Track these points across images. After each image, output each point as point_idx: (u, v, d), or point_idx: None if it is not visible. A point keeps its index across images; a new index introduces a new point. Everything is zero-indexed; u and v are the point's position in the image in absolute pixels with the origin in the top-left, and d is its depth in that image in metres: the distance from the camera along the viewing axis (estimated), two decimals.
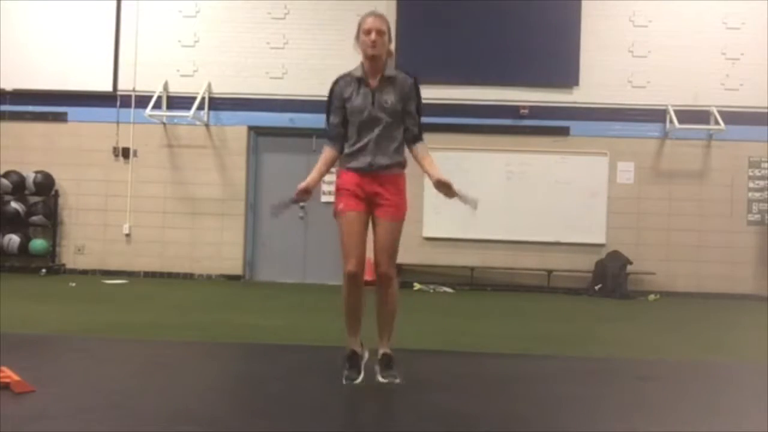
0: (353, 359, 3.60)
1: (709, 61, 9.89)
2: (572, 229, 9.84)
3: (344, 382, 3.51)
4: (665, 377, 4.16)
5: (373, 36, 3.51)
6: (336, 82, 3.70)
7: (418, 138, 3.66)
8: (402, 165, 3.65)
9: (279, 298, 8.14)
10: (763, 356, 4.93)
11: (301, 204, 3.61)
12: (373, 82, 3.58)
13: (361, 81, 3.60)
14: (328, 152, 3.68)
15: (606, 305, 8.44)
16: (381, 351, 3.60)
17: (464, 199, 3.60)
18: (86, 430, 2.80)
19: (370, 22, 3.54)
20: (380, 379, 3.49)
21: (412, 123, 3.64)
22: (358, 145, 3.57)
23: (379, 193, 3.56)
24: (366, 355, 3.67)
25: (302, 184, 3.56)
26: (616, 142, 9.95)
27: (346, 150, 3.63)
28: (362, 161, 3.56)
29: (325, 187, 10.16)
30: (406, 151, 3.67)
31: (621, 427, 3.13)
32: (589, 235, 9.86)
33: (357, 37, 3.61)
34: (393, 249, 3.57)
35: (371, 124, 3.56)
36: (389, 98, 3.56)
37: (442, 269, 9.63)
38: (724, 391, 3.88)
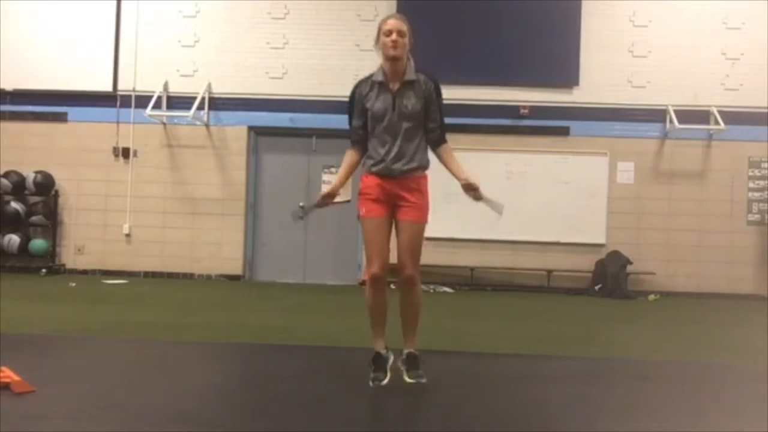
0: (379, 361, 3.59)
1: (709, 61, 9.89)
2: (572, 229, 9.84)
3: (371, 384, 3.52)
4: (665, 377, 4.16)
5: (394, 36, 3.49)
6: (357, 86, 3.66)
7: (441, 140, 3.65)
8: (424, 167, 3.64)
9: (279, 298, 8.14)
10: (763, 356, 4.93)
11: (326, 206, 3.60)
12: (394, 86, 3.56)
13: (381, 85, 3.57)
14: (350, 156, 3.68)
15: (606, 305, 8.44)
16: (406, 351, 3.61)
17: (490, 204, 3.58)
18: (86, 430, 2.80)
19: (390, 24, 3.53)
20: (407, 379, 3.52)
21: (434, 126, 3.62)
22: (381, 150, 3.56)
23: (401, 195, 3.56)
24: (391, 357, 3.66)
25: (326, 189, 3.58)
26: (616, 142, 9.94)
27: (369, 154, 3.63)
28: (384, 166, 3.56)
29: (325, 188, 10.15)
30: (429, 152, 3.67)
31: (621, 427, 3.13)
32: (589, 235, 9.86)
33: (377, 40, 3.58)
34: (417, 251, 3.58)
35: (393, 129, 3.55)
36: (410, 102, 3.54)
37: (442, 269, 9.62)
38: (724, 391, 3.88)
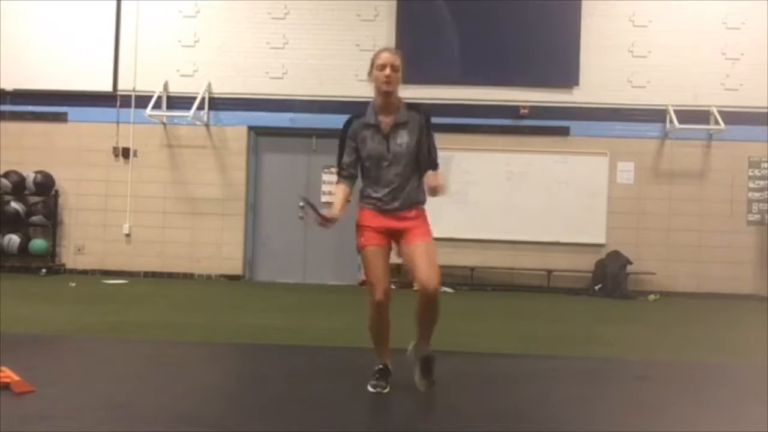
0: (383, 372, 3.59)
1: (709, 61, 9.88)
2: (572, 229, 9.83)
3: (372, 389, 3.50)
4: (665, 377, 4.16)
5: (387, 71, 3.46)
6: (350, 122, 3.60)
7: (434, 168, 3.59)
8: (422, 202, 3.63)
9: (279, 298, 8.14)
10: (763, 356, 4.93)
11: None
12: (386, 125, 3.52)
13: (374, 127, 3.53)
14: (342, 188, 3.62)
15: (606, 305, 8.44)
16: (422, 354, 3.57)
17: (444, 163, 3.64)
18: (86, 430, 2.80)
19: (384, 57, 3.50)
20: (421, 386, 3.50)
21: (428, 161, 3.57)
22: (378, 192, 3.54)
23: (401, 227, 3.55)
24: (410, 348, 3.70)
25: (327, 215, 3.48)
26: (616, 142, 9.94)
27: (366, 190, 3.60)
28: (382, 204, 3.54)
29: (324, 188, 10.18)
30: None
31: (621, 427, 3.13)
32: (589, 235, 9.86)
33: (370, 73, 3.55)
34: (436, 265, 3.56)
35: (389, 169, 3.52)
36: (403, 140, 3.52)
37: (442, 269, 9.55)
38: (724, 391, 3.88)
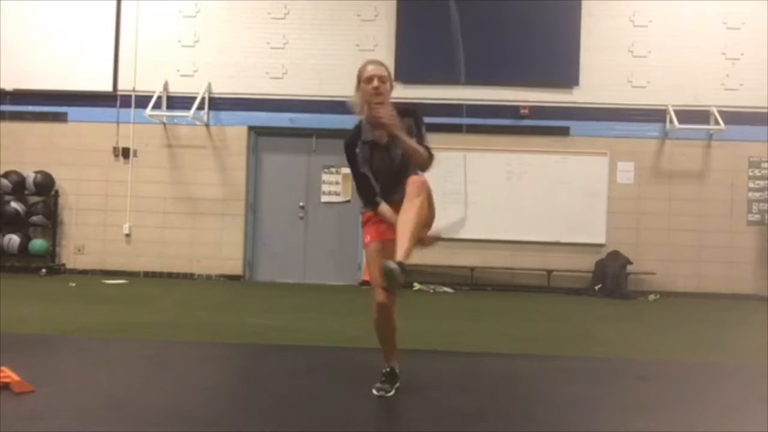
0: (388, 375, 3.52)
1: (709, 61, 9.89)
2: (572, 229, 9.84)
3: (375, 392, 3.45)
4: (665, 377, 4.16)
5: (375, 83, 3.36)
6: (350, 142, 3.48)
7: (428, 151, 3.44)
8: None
9: (279, 298, 8.14)
10: (763, 356, 4.93)
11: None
12: (381, 138, 3.42)
13: (371, 143, 3.45)
14: (384, 206, 3.46)
15: (606, 305, 8.44)
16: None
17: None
18: (86, 430, 2.80)
19: (370, 70, 3.40)
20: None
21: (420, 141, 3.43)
22: (385, 200, 3.46)
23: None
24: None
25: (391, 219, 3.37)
26: (616, 142, 9.94)
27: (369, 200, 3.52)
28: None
29: (324, 188, 10.19)
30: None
31: (621, 427, 3.13)
32: (589, 235, 9.86)
33: (357, 87, 3.45)
34: (422, 189, 3.23)
35: (393, 181, 3.44)
36: (400, 150, 3.42)
37: (442, 269, 9.62)
38: (724, 391, 3.88)
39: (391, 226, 3.32)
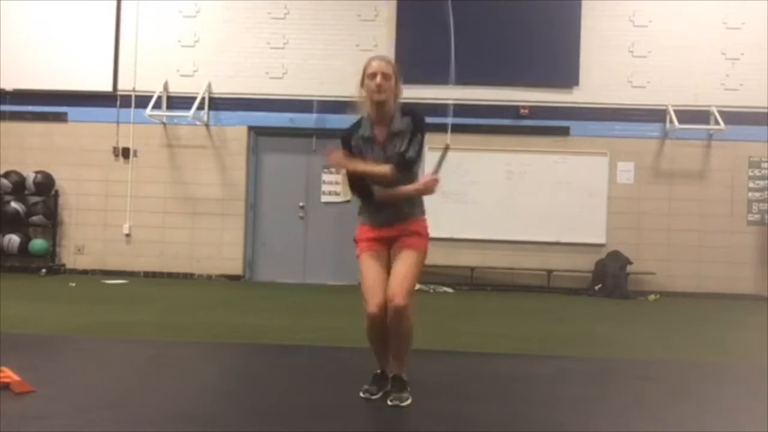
0: (379, 379, 3.49)
1: (709, 61, 9.89)
2: (572, 229, 9.84)
3: (361, 394, 3.42)
4: (665, 377, 4.16)
5: (378, 80, 3.29)
6: (348, 138, 3.44)
7: (400, 165, 3.34)
8: (421, 212, 3.49)
9: (279, 298, 8.14)
10: (763, 356, 4.93)
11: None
12: (380, 135, 3.39)
13: (370, 139, 3.41)
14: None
15: (606, 305, 8.44)
16: (392, 373, 3.44)
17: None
18: (86, 430, 2.80)
19: (374, 66, 3.33)
20: (388, 402, 3.36)
21: (395, 155, 3.35)
22: (374, 203, 3.42)
23: (398, 236, 3.41)
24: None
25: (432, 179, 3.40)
26: (616, 142, 9.94)
27: (363, 204, 3.49)
28: (379, 218, 3.43)
29: (325, 188, 10.19)
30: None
31: (621, 427, 3.13)
32: (589, 235, 9.86)
33: (361, 83, 3.39)
34: (409, 281, 3.28)
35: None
36: (397, 149, 3.37)
37: (442, 269, 9.62)
38: (724, 391, 3.88)
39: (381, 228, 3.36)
